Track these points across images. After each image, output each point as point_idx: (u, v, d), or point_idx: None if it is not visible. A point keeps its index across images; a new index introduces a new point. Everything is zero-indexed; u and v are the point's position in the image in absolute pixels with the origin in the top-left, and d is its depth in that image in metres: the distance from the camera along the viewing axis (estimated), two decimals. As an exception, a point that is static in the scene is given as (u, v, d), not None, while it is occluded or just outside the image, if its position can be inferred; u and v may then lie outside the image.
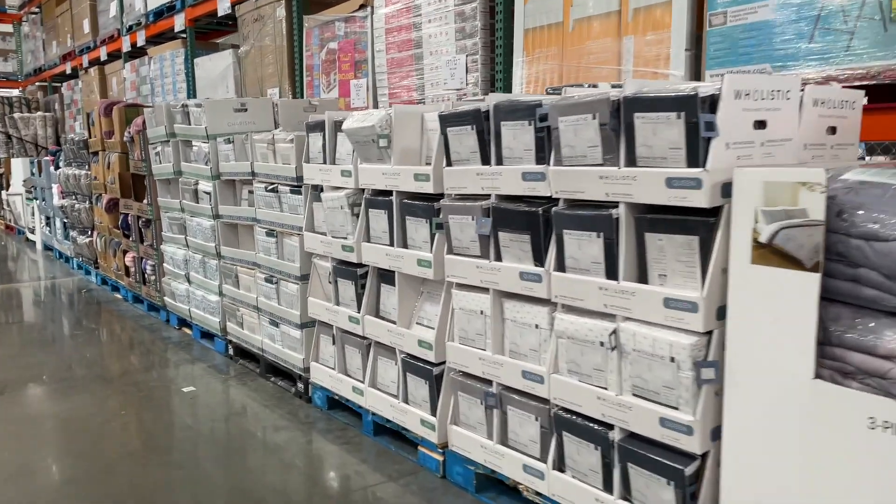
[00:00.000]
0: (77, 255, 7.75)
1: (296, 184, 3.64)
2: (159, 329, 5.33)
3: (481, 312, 2.56)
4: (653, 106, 1.89)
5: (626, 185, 2.00)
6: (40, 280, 7.67)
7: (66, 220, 7.98)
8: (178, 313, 5.17)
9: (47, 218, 9.34)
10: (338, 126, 3.30)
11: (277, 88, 6.21)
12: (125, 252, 6.08)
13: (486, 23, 4.18)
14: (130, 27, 9.10)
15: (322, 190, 3.39)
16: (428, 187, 2.73)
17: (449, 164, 2.63)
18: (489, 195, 2.47)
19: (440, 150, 2.70)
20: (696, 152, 1.84)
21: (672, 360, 1.93)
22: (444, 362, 2.82)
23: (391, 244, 2.98)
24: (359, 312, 3.22)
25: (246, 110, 4.48)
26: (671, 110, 1.85)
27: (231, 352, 4.50)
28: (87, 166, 7.09)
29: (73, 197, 7.55)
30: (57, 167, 8.39)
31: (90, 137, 6.86)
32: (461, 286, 2.65)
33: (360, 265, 3.21)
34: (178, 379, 4.16)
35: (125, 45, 9.31)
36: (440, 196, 2.74)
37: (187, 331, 5.18)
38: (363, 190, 3.17)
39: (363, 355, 3.27)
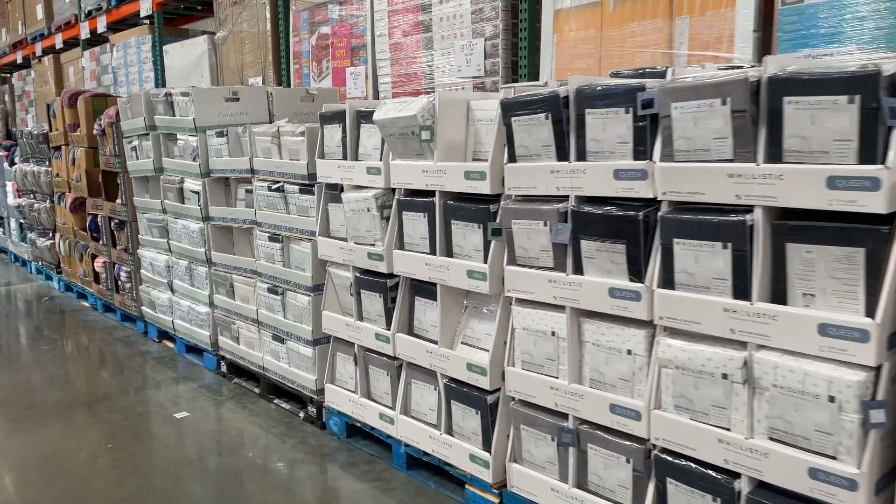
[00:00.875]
0: (36, 259, 7.15)
1: (307, 182, 3.21)
2: (136, 342, 4.83)
3: (553, 333, 2.18)
4: (813, 87, 1.53)
5: (766, 186, 1.64)
6: (-4, 286, 7.06)
7: (23, 221, 7.37)
8: (159, 325, 4.69)
9: (0, 218, 8.68)
10: (361, 117, 2.89)
11: (260, 77, 5.73)
12: (94, 256, 5.55)
13: (508, 3, 3.79)
14: (90, 12, 8.47)
15: (341, 190, 2.97)
16: (483, 187, 2.33)
17: (512, 159, 2.25)
18: (566, 196, 2.10)
19: (499, 144, 2.31)
20: (872, 145, 1.49)
21: (831, 399, 1.58)
22: (499, 389, 2.44)
23: (432, 252, 2.58)
24: (389, 329, 2.81)
25: (238, 100, 4.03)
26: (842, 93, 1.50)
27: (224, 369, 4.05)
28: (47, 162, 6.51)
29: (32, 195, 6.95)
30: (12, 163, 7.76)
31: (51, 130, 6.29)
32: (525, 302, 2.27)
33: (391, 276, 2.80)
34: (167, 402, 3.70)
35: (84, 32, 8.67)
36: (495, 197, 2.36)
37: (169, 344, 4.70)
38: (394, 190, 2.76)
39: (393, 378, 2.87)
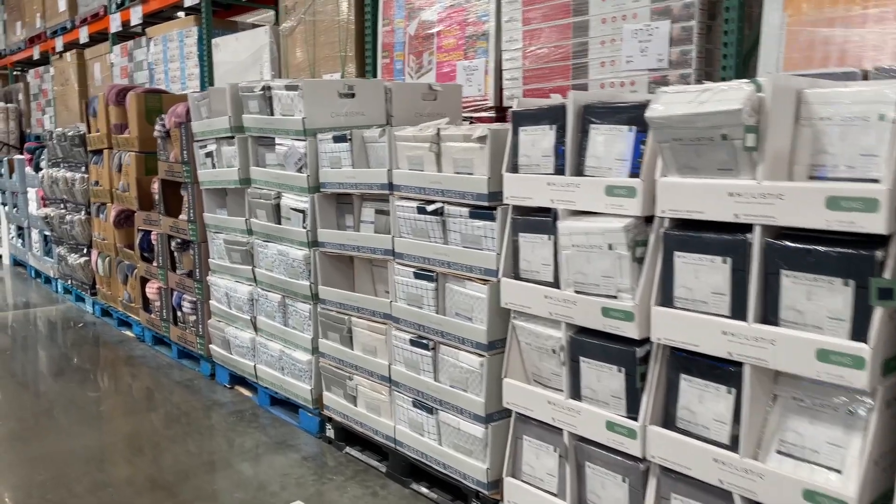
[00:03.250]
0: (64, 277, 6.30)
1: (484, 205, 2.38)
2: (202, 388, 3.98)
3: None
4: None
5: None
6: (12, 308, 6.19)
7: (50, 234, 6.52)
8: (234, 369, 3.84)
9: (19, 228, 7.82)
10: (592, 114, 2.05)
11: (338, 74, 4.90)
12: (144, 280, 4.71)
13: (709, -25, 2.98)
14: (122, 3, 7.67)
15: (554, 217, 2.13)
16: (870, 223, 1.49)
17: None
18: None
19: (893, 152, 1.48)
20: None
21: None
22: (862, 532, 1.60)
23: (737, 316, 1.74)
24: (633, 419, 1.97)
25: (353, 95, 3.20)
26: None
27: (330, 433, 3.20)
28: (83, 168, 5.68)
29: (62, 205, 6.11)
30: (37, 168, 6.92)
31: (90, 132, 5.45)
32: (947, 409, 1.44)
33: (641, 342, 1.97)
34: (270, 483, 2.84)
35: (114, 25, 7.87)
36: (880, 240, 1.52)
37: (245, 392, 3.85)
38: (648, 219, 1.93)
39: (634, 488, 2.03)
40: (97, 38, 8.57)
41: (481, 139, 2.36)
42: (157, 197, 4.47)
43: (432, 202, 2.57)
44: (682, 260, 1.84)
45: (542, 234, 2.19)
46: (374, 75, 4.65)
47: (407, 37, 4.41)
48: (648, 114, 1.77)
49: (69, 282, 6.18)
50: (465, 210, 2.45)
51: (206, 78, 6.51)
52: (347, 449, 3.11)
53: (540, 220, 2.19)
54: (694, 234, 1.81)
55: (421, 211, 2.60)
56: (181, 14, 7.33)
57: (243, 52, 5.92)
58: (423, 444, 2.70)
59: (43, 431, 3.41)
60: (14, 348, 4.87)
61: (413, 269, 2.67)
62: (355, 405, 3.03)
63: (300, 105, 3.08)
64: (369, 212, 2.93)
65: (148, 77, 7.46)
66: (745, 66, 3.02)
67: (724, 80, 3.03)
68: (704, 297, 1.80)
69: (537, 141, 2.18)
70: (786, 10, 2.75)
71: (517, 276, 2.31)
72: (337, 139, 2.96)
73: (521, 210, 2.29)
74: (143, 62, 7.59)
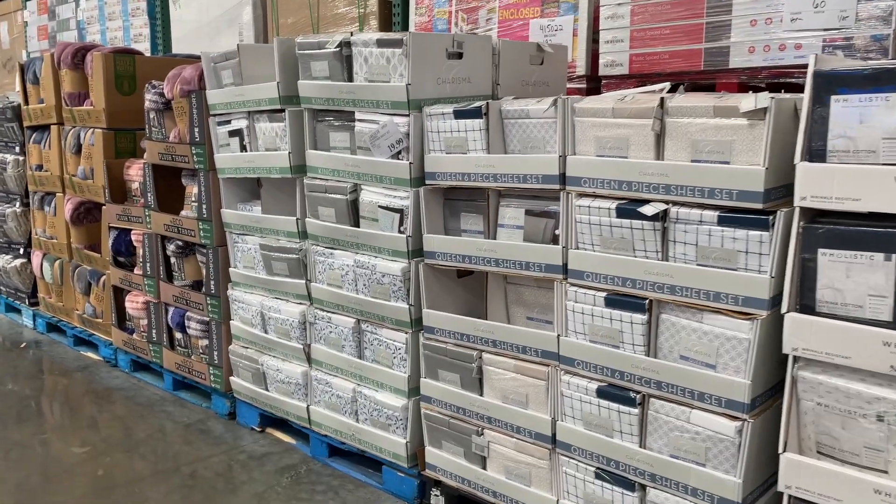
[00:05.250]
0: (-11, 282, 5.14)
1: (757, 206, 1.67)
2: (222, 433, 3.09)
3: None
4: None
5: None
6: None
7: (-34, 228, 5.31)
8: (269, 409, 2.98)
9: (-84, 219, 6.47)
10: None
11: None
12: (121, 291, 3.73)
13: None
14: (40, -51, 6.46)
15: (913, 228, 1.46)
16: None
17: None
18: None
19: None
20: None
21: None
22: None
23: None
24: None
25: (461, 56, 2.41)
26: None
27: (438, 501, 2.44)
28: (17, 148, 4.57)
29: (-15, 194, 4.95)
30: (-56, 148, 5.66)
31: (27, 103, 4.36)
32: None
33: None
34: (391, 591, 2.07)
35: (28, -24, 6.66)
36: None
37: (282, 437, 3.00)
38: None
39: None
40: (3, -8, 7.27)
41: (754, 113, 1.64)
42: (138, 186, 3.52)
43: (643, 201, 1.84)
44: None
45: (875, 252, 1.51)
46: (403, 36, 3.83)
47: (453, -12, 3.61)
48: None
49: (-3, 288, 5.05)
50: (712, 213, 1.74)
51: (160, 40, 5.47)
52: (466, 523, 2.37)
53: (873, 231, 1.51)
54: None
55: (624, 213, 1.86)
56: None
57: (214, 10, 4.94)
58: (612, 530, 2.00)
59: (28, 516, 2.48)
60: (-57, 381, 3.79)
61: (604, 294, 1.94)
62: (484, 468, 2.28)
63: (402, 67, 2.25)
64: (515, 213, 2.15)
65: (77, 39, 6.29)
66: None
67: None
68: None
69: (873, 115, 1.49)
70: None
71: (810, 310, 1.62)
72: (461, 114, 2.17)
73: (810, 217, 1.60)
74: (71, 20, 6.41)
